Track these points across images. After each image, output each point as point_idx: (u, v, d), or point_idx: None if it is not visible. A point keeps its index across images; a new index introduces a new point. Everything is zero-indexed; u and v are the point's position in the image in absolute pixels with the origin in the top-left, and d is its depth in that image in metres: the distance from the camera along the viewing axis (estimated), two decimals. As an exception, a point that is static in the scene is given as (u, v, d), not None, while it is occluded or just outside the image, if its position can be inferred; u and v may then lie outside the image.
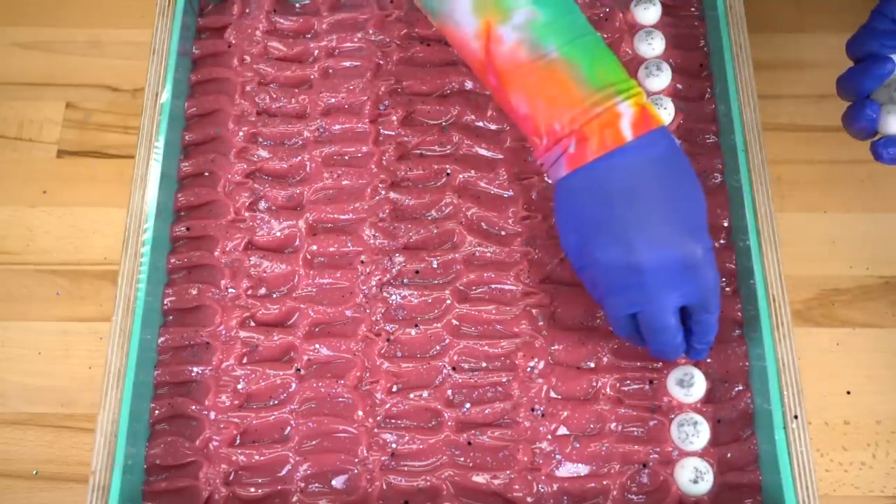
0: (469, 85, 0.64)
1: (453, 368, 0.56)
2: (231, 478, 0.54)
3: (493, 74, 0.51)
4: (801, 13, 0.72)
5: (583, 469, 0.54)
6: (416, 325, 0.57)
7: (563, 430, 0.55)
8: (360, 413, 0.55)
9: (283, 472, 0.54)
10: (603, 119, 0.48)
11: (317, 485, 0.54)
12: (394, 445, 0.54)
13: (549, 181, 0.52)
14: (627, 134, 0.48)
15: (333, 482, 0.54)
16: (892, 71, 0.54)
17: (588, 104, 0.49)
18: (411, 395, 0.55)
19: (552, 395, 0.55)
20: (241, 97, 0.64)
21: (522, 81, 0.50)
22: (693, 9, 0.67)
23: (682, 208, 0.50)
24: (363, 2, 0.67)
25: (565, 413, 0.55)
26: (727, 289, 0.58)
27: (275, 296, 0.58)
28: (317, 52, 0.66)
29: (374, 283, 0.58)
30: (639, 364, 0.56)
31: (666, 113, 0.62)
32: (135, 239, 0.57)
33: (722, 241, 0.59)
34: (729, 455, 0.54)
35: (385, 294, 0.58)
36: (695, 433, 0.53)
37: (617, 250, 0.49)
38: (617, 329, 0.52)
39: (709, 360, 0.56)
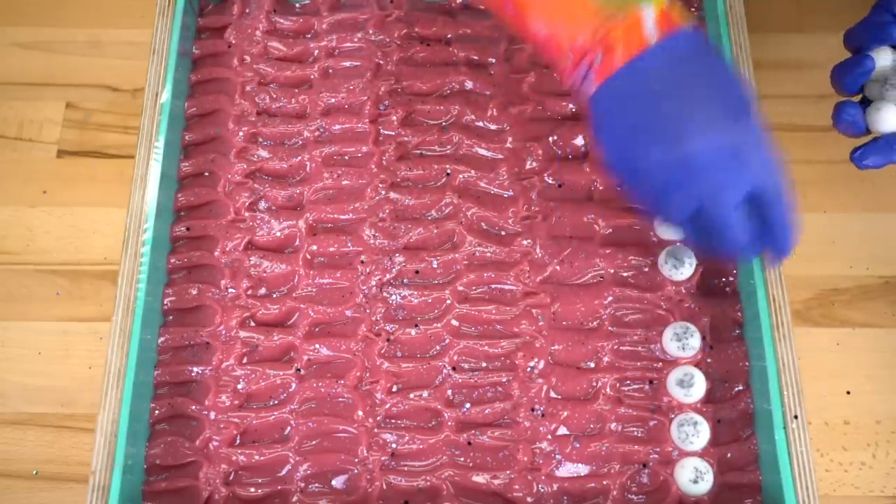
0: (469, 85, 0.64)
1: (453, 368, 0.56)
2: (231, 478, 0.54)
3: (511, 3, 0.50)
4: (801, 13, 0.72)
5: (583, 469, 0.54)
6: (416, 325, 0.57)
7: (563, 430, 0.55)
8: (360, 413, 0.55)
9: (283, 472, 0.54)
10: (625, 25, 0.47)
11: (317, 485, 0.54)
12: (394, 445, 0.54)
13: (584, 100, 0.50)
14: (651, 35, 0.47)
15: (333, 482, 0.54)
16: (872, 68, 0.53)
17: (607, 13, 0.48)
18: (411, 395, 0.55)
19: (552, 395, 0.55)
20: (241, 97, 0.64)
21: (540, 3, 0.49)
22: (693, 9, 0.67)
23: (721, 96, 0.47)
24: (363, 2, 0.67)
25: (565, 413, 0.55)
26: (727, 289, 0.58)
27: (275, 296, 0.58)
28: (317, 52, 0.66)
29: (374, 283, 0.58)
30: (639, 364, 0.56)
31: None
32: (135, 239, 0.57)
33: (722, 241, 0.59)
34: (729, 455, 0.54)
35: (385, 294, 0.58)
36: (695, 433, 0.53)
37: (664, 146, 0.47)
38: (683, 235, 0.50)
39: (709, 361, 0.56)
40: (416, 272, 0.59)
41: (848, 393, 0.59)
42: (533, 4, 0.50)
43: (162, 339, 0.57)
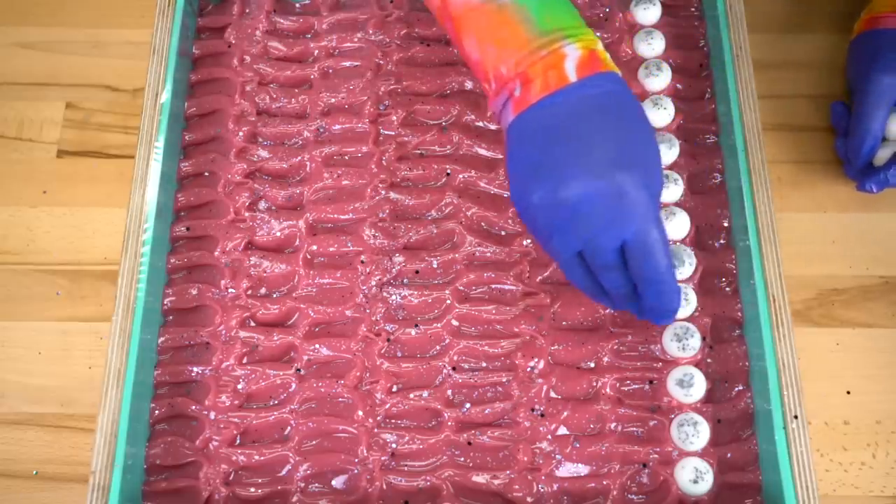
0: (469, 85, 0.64)
1: (453, 368, 0.56)
2: (231, 478, 0.54)
3: (449, 20, 0.51)
4: (801, 13, 0.72)
5: (583, 469, 0.54)
6: (416, 325, 0.57)
7: (563, 430, 0.55)
8: (360, 413, 0.55)
9: (283, 472, 0.54)
10: (547, 61, 0.48)
11: (317, 485, 0.54)
12: (394, 445, 0.54)
13: (502, 129, 0.51)
14: (571, 75, 0.48)
15: (333, 482, 0.54)
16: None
17: (534, 46, 0.48)
18: (411, 395, 0.55)
19: (552, 395, 0.55)
20: (241, 97, 0.64)
21: (474, 25, 0.50)
22: (693, 9, 0.67)
23: (619, 144, 0.48)
24: (363, 2, 0.67)
25: (565, 413, 0.55)
26: (727, 289, 0.58)
27: (275, 296, 0.58)
28: (317, 52, 0.66)
29: (374, 283, 0.58)
30: (639, 364, 0.56)
31: (666, 113, 0.62)
32: (135, 239, 0.57)
33: (722, 241, 0.59)
34: (729, 455, 0.54)
35: (385, 294, 0.58)
36: (695, 433, 0.53)
37: (547, 188, 0.47)
38: (574, 279, 0.51)
39: (709, 361, 0.56)
40: (416, 272, 0.59)
41: (848, 393, 0.59)
42: (467, 26, 0.50)
43: (162, 339, 0.57)
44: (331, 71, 0.65)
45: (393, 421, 0.55)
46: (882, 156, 0.61)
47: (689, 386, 0.54)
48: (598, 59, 0.49)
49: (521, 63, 0.48)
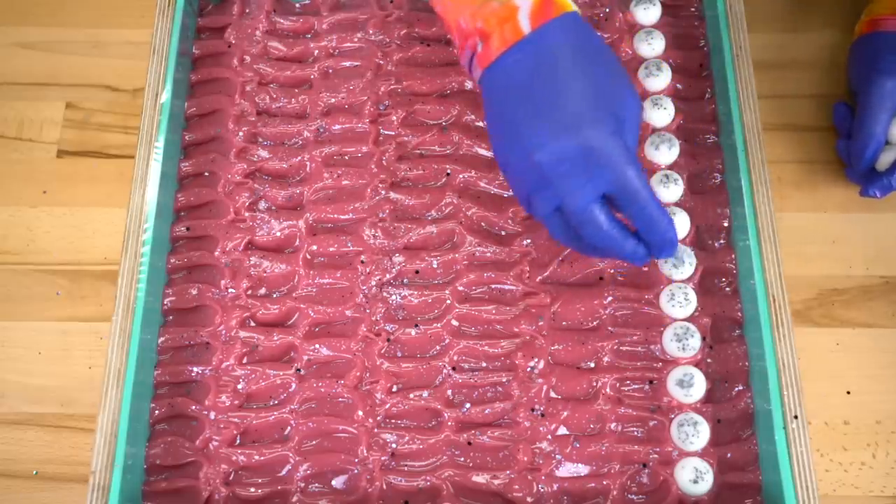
0: (469, 85, 0.64)
1: (453, 368, 0.56)
2: (231, 478, 0.54)
3: None
4: (801, 13, 0.72)
5: (583, 469, 0.54)
6: (416, 325, 0.57)
7: (563, 430, 0.55)
8: (360, 413, 0.55)
9: (283, 472, 0.54)
10: (500, 14, 0.48)
11: (317, 485, 0.54)
12: (394, 445, 0.54)
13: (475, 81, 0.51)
14: (525, 26, 0.47)
15: (333, 482, 0.54)
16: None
17: None
18: (411, 395, 0.55)
19: (552, 395, 0.55)
20: (241, 97, 0.64)
21: None
22: (693, 9, 0.67)
23: (583, 94, 0.47)
24: (363, 2, 0.67)
25: (565, 413, 0.55)
26: (727, 289, 0.58)
27: (275, 296, 0.58)
28: (317, 52, 0.66)
29: (374, 283, 0.58)
30: (639, 364, 0.56)
31: (666, 113, 0.62)
32: (135, 239, 0.57)
33: (722, 241, 0.59)
34: (729, 455, 0.54)
35: (385, 294, 0.58)
36: (695, 433, 0.53)
37: (516, 150, 0.48)
38: (558, 237, 0.50)
39: (709, 361, 0.56)
40: (416, 272, 0.59)
41: (848, 393, 0.59)
42: None
43: (162, 339, 0.57)
44: (331, 71, 0.65)
45: (393, 421, 0.55)
46: (885, 160, 0.60)
47: (689, 386, 0.54)
48: (551, 4, 0.48)
49: (476, 15, 0.48)
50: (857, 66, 0.63)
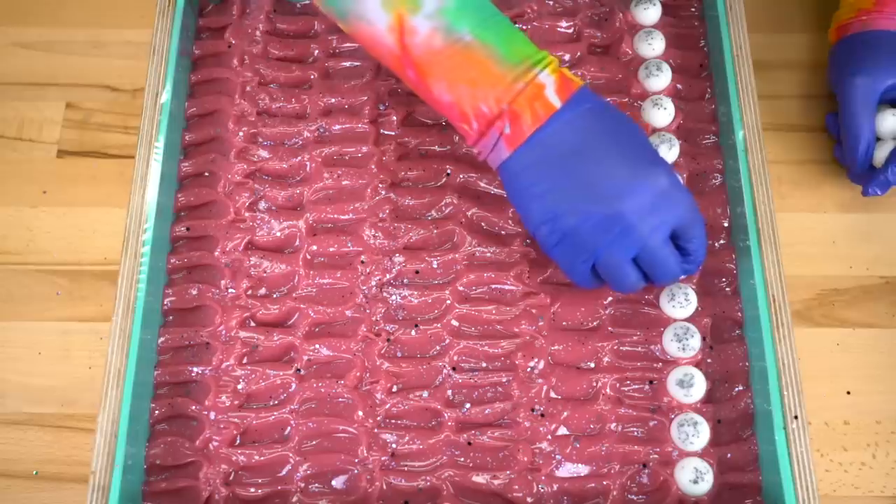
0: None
1: (453, 369, 0.56)
2: (231, 478, 0.54)
3: (411, 67, 0.51)
4: (802, 13, 0.72)
5: (583, 469, 0.54)
6: (416, 326, 0.57)
7: (563, 431, 0.55)
8: (360, 413, 0.55)
9: (283, 472, 0.54)
10: (528, 93, 0.49)
11: (317, 485, 0.54)
12: (394, 445, 0.54)
13: (493, 167, 0.53)
14: (555, 101, 0.50)
15: (333, 482, 0.54)
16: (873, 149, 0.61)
17: (509, 80, 0.49)
18: (411, 396, 0.55)
19: (552, 395, 0.55)
20: (241, 97, 0.64)
21: (441, 69, 0.51)
22: (693, 9, 0.67)
23: (633, 146, 0.51)
24: (363, 2, 0.67)
25: (565, 413, 0.55)
26: (727, 289, 0.58)
27: (275, 296, 0.58)
28: (317, 52, 0.66)
29: (374, 283, 0.58)
30: (639, 364, 0.56)
31: (666, 113, 0.62)
32: (135, 239, 0.57)
33: (722, 241, 0.59)
34: (729, 455, 0.54)
35: (385, 294, 0.58)
36: (695, 433, 0.53)
37: (592, 206, 0.49)
38: (624, 283, 0.52)
39: (709, 361, 0.56)
40: (416, 272, 0.59)
41: (848, 393, 0.59)
42: (434, 71, 0.51)
43: (162, 339, 0.57)
44: (331, 71, 0.65)
45: (393, 421, 0.55)
46: (880, 156, 0.61)
47: (689, 386, 0.54)
48: (568, 78, 0.51)
49: (501, 98, 0.50)
50: (833, 74, 0.64)
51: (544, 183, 0.50)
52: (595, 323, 0.57)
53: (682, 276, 0.54)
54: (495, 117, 0.50)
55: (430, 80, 0.51)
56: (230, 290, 0.58)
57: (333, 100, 0.64)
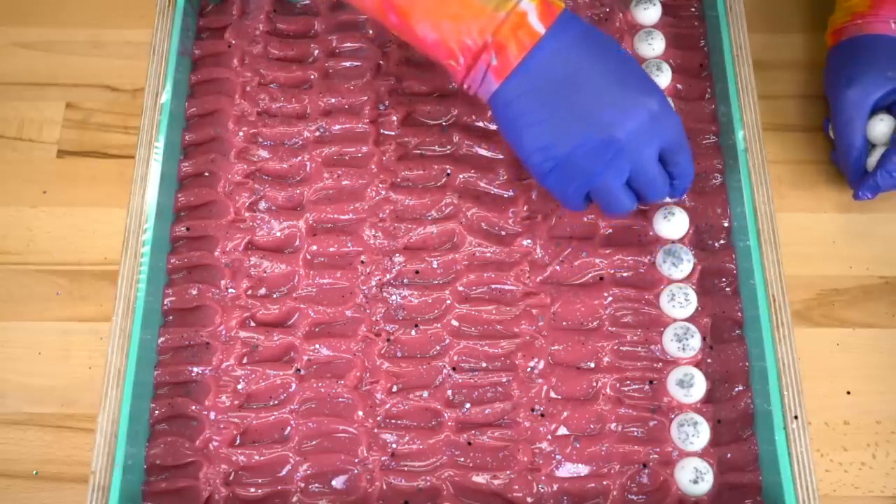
0: (469, 85, 0.64)
1: (453, 369, 0.56)
2: (231, 478, 0.54)
3: (393, 11, 0.51)
4: (801, 13, 0.72)
5: (583, 469, 0.54)
6: (416, 326, 0.57)
7: (563, 431, 0.55)
8: (360, 413, 0.55)
9: (283, 472, 0.54)
10: (511, 22, 0.49)
11: (317, 485, 0.54)
12: (394, 445, 0.54)
13: (483, 100, 0.53)
14: (539, 27, 0.49)
15: (333, 482, 0.54)
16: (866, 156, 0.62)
17: (490, 10, 0.49)
18: (411, 396, 0.55)
19: (552, 395, 0.55)
20: (241, 97, 0.64)
21: (422, 8, 0.51)
22: (693, 9, 0.67)
23: (622, 70, 0.51)
24: (363, 2, 0.67)
25: (565, 413, 0.55)
26: (727, 289, 0.58)
27: (275, 296, 0.58)
28: (317, 52, 0.66)
29: (374, 283, 0.58)
30: (639, 364, 0.56)
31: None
32: (135, 239, 0.57)
33: (722, 241, 0.59)
34: (729, 455, 0.54)
35: (385, 294, 0.58)
36: (695, 433, 0.53)
37: (586, 132, 0.50)
38: (618, 207, 0.53)
39: (709, 361, 0.56)
40: (416, 272, 0.59)
41: (848, 393, 0.59)
42: (415, 11, 0.51)
43: (162, 339, 0.57)
44: (331, 71, 0.65)
45: (393, 421, 0.55)
46: (872, 161, 0.61)
47: (689, 386, 0.54)
48: (549, 2, 0.50)
49: (484, 30, 0.49)
50: (827, 81, 0.64)
51: (535, 112, 0.50)
52: (595, 323, 0.57)
53: (669, 200, 0.57)
54: (481, 49, 0.50)
55: (412, 21, 0.51)
56: (230, 290, 0.58)
57: (333, 100, 0.64)
